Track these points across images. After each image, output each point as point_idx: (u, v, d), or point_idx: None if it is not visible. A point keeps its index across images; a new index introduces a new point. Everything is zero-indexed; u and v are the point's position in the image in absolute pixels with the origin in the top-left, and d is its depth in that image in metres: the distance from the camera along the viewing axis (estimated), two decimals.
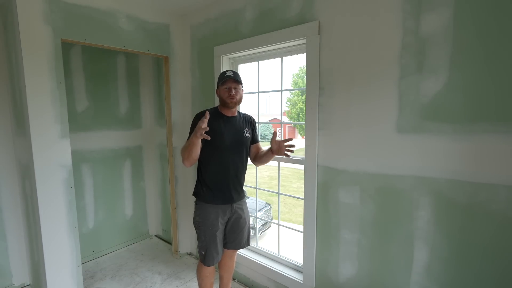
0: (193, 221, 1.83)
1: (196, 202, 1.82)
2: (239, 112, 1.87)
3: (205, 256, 1.76)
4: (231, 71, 1.75)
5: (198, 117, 1.70)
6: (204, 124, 1.49)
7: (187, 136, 1.72)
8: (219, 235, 1.77)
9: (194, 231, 2.80)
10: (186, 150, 1.61)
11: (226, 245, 1.86)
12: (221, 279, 2.03)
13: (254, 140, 1.93)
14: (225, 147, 1.73)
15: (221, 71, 1.86)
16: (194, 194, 1.83)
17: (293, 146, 1.74)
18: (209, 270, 1.83)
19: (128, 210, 3.11)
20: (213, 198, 1.75)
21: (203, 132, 1.48)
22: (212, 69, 2.40)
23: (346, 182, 1.68)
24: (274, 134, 1.81)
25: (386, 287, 1.58)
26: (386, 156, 1.51)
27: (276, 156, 1.83)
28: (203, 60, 2.50)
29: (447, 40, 1.28)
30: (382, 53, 1.48)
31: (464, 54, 1.25)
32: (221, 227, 1.77)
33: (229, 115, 1.79)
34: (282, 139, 1.77)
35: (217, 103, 2.36)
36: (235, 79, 1.71)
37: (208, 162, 1.74)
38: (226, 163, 1.74)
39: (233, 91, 1.71)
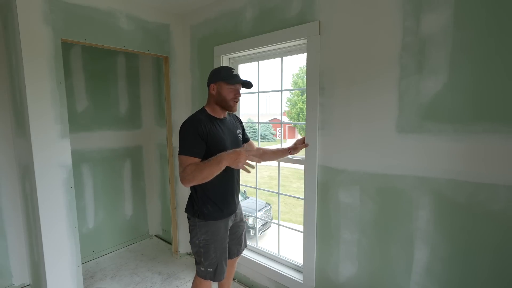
0: (195, 241, 1.58)
1: (197, 221, 1.58)
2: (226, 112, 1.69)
3: (215, 272, 1.59)
4: (233, 69, 1.62)
5: (193, 125, 1.47)
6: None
7: (179, 149, 1.47)
8: (227, 247, 1.66)
9: None
10: (203, 173, 1.37)
11: (228, 255, 1.74)
12: (221, 286, 1.97)
13: (246, 139, 1.86)
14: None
15: (221, 66, 1.67)
16: (194, 213, 1.58)
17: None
18: (210, 285, 1.71)
19: (128, 210, 3.11)
20: (220, 213, 1.58)
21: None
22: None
23: (346, 182, 1.68)
24: (303, 140, 1.84)
25: (386, 287, 1.58)
26: (386, 156, 1.51)
27: (290, 156, 1.91)
28: (203, 60, 2.50)
29: (447, 40, 1.28)
30: (382, 53, 1.48)
31: (464, 54, 1.25)
32: (228, 238, 1.66)
33: (221, 117, 1.62)
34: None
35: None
36: (245, 83, 1.58)
37: None
38: (230, 171, 1.58)
39: (239, 94, 1.58)
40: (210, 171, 1.37)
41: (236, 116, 1.84)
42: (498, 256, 1.25)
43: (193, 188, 1.59)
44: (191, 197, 1.63)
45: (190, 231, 1.63)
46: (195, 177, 1.38)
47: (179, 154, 1.46)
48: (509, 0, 1.14)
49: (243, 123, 1.92)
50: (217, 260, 1.59)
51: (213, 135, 1.49)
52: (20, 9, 1.72)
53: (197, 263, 1.63)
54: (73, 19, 1.95)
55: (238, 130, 1.74)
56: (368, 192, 1.60)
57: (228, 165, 1.38)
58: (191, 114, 1.59)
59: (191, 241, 1.62)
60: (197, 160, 1.44)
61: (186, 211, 1.65)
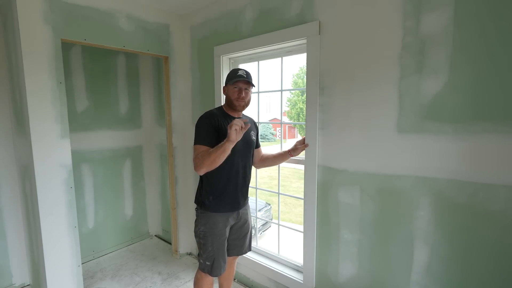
0: (196, 231, 1.69)
1: (200, 211, 1.69)
2: (242, 114, 1.78)
3: (212, 267, 1.65)
4: (243, 70, 1.65)
5: (207, 118, 1.59)
6: (244, 127, 1.39)
7: (194, 140, 1.58)
8: (226, 244, 1.70)
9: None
10: (211, 157, 1.43)
11: (227, 252, 1.77)
12: (220, 286, 1.98)
13: (257, 144, 1.89)
14: (235, 151, 1.55)
15: (232, 68, 1.72)
16: (198, 203, 1.70)
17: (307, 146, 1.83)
18: (211, 281, 1.75)
19: (128, 210, 3.11)
20: (221, 206, 1.64)
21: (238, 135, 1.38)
22: (212, 69, 2.40)
23: (346, 182, 1.68)
24: (303, 141, 1.85)
25: (386, 287, 1.58)
26: (386, 156, 1.51)
27: (292, 158, 1.89)
28: (203, 60, 2.50)
29: (447, 40, 1.28)
30: (382, 53, 1.48)
31: (464, 54, 1.25)
32: (227, 235, 1.70)
33: (236, 116, 1.70)
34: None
35: (217, 102, 2.37)
36: (247, 81, 1.61)
37: (216, 168, 1.52)
38: (236, 167, 1.65)
39: (243, 93, 1.61)
40: (216, 154, 1.43)
41: (254, 121, 1.89)
42: (498, 256, 1.25)
43: (200, 179, 1.70)
44: (198, 188, 1.74)
45: (195, 221, 1.73)
46: (204, 161, 1.45)
47: (194, 144, 1.56)
48: (509, 0, 1.14)
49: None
50: (214, 255, 1.65)
51: (224, 130, 1.55)
52: (20, 9, 1.72)
53: (199, 255, 1.71)
54: (73, 19, 1.95)
55: (252, 132, 1.78)
56: (368, 192, 1.60)
57: (231, 142, 1.40)
58: (207, 110, 1.70)
59: (194, 231, 1.73)
60: (209, 148, 1.52)
61: (194, 201, 1.75)
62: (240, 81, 1.61)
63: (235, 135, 1.38)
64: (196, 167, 1.49)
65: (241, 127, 1.40)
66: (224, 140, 1.42)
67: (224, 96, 1.72)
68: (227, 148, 1.41)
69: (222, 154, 1.43)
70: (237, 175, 1.67)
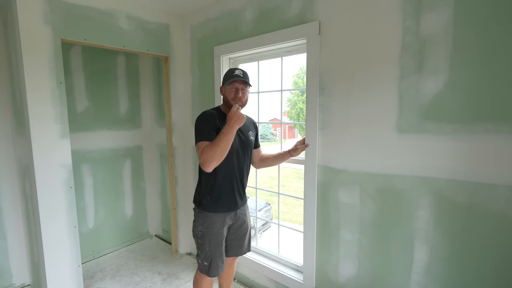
0: (194, 231, 1.70)
1: (197, 211, 1.68)
2: None
3: (210, 267, 1.65)
4: (240, 70, 1.65)
5: (205, 117, 1.58)
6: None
7: (196, 139, 1.54)
8: (223, 244, 1.69)
9: None
10: (220, 145, 1.41)
11: (226, 253, 1.77)
12: (220, 286, 1.98)
13: (257, 144, 1.88)
14: (232, 151, 1.57)
15: (229, 68, 1.71)
16: (196, 203, 1.70)
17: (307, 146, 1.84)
18: (211, 281, 1.75)
19: (128, 210, 3.11)
20: (218, 206, 1.64)
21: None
22: (212, 69, 2.40)
23: (346, 182, 1.68)
24: (303, 141, 1.86)
25: (386, 287, 1.58)
26: (386, 156, 1.51)
27: (292, 158, 1.89)
28: (203, 60, 2.50)
29: (447, 40, 1.28)
30: (382, 53, 1.48)
31: (464, 54, 1.25)
32: (225, 235, 1.70)
33: None
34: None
35: (217, 102, 2.37)
36: (244, 80, 1.60)
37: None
38: (232, 167, 1.64)
39: (240, 93, 1.61)
40: (225, 138, 1.44)
41: (254, 121, 1.88)
42: (498, 256, 1.25)
43: (199, 179, 1.70)
44: (196, 188, 1.74)
45: (193, 221, 1.73)
46: (215, 152, 1.42)
47: (196, 142, 1.53)
48: (509, 0, 1.14)
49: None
50: (212, 255, 1.64)
51: (219, 130, 1.55)
52: (20, 9, 1.72)
53: (197, 255, 1.71)
54: (73, 19, 1.95)
55: (250, 132, 1.77)
56: (368, 192, 1.60)
57: (237, 124, 1.48)
58: (204, 110, 1.68)
59: (192, 231, 1.73)
60: None
61: (193, 201, 1.76)
62: (236, 81, 1.60)
63: (236, 109, 1.49)
64: (205, 163, 1.42)
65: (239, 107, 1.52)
66: (230, 123, 1.47)
67: (222, 96, 1.71)
68: (231, 130, 1.45)
69: (231, 136, 1.46)
70: (234, 175, 1.66)
